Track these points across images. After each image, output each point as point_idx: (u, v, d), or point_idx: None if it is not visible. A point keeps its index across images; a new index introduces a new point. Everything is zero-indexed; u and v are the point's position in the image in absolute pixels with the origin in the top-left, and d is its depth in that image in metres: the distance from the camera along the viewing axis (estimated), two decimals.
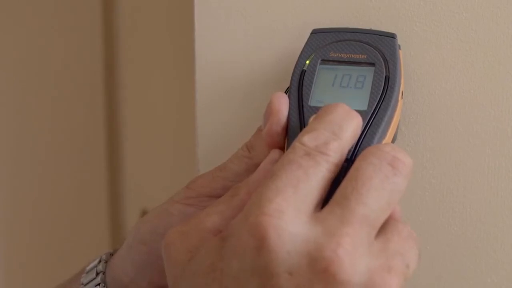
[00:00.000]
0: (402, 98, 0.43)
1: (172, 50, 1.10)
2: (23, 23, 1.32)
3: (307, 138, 0.36)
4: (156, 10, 1.34)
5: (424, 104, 0.47)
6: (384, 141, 0.41)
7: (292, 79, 0.43)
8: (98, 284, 0.48)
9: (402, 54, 0.44)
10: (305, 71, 0.43)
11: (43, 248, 1.15)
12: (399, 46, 0.44)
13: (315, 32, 0.45)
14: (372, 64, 0.43)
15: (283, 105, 0.41)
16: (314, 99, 0.42)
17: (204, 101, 0.52)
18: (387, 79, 0.42)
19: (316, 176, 0.35)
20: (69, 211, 1.16)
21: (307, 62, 0.44)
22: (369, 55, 0.43)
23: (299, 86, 0.43)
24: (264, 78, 0.50)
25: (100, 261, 0.50)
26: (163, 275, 0.41)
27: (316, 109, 0.41)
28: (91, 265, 0.50)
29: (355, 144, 0.39)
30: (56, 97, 1.14)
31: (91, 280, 0.49)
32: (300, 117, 0.42)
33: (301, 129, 0.41)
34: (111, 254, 0.50)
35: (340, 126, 0.37)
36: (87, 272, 0.50)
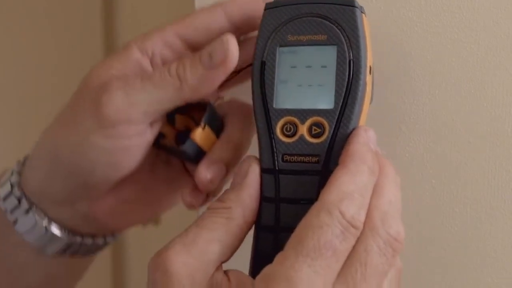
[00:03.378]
0: (371, 73, 0.41)
1: None
2: (23, 23, 1.31)
3: (345, 206, 0.36)
4: (156, 10, 1.34)
5: (425, 104, 0.47)
6: None
7: (253, 74, 0.42)
8: (21, 198, 0.47)
9: (366, 20, 0.41)
10: (265, 62, 0.41)
11: None
12: (362, 9, 0.41)
13: (268, 7, 0.42)
14: (334, 45, 0.41)
15: (256, 178, 0.41)
16: (279, 100, 0.41)
17: None
18: (350, 63, 0.40)
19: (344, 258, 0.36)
20: None
21: (266, 50, 0.41)
22: (329, 34, 0.41)
23: (261, 83, 0.41)
24: None
25: (12, 173, 0.48)
26: (96, 187, 0.44)
27: (281, 112, 0.41)
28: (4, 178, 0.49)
29: (325, 151, 0.39)
30: (56, 97, 1.14)
31: (9, 194, 0.47)
32: (268, 123, 0.41)
33: (270, 137, 0.41)
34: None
35: (366, 188, 0.38)
36: (2, 184, 0.48)
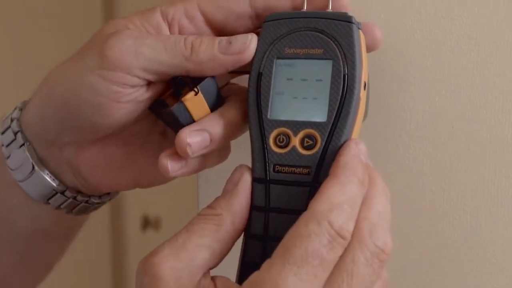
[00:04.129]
0: (365, 89, 0.42)
1: None
2: (24, 23, 1.32)
3: (334, 217, 0.36)
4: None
5: (425, 111, 0.47)
6: None
7: (249, 84, 0.42)
8: (17, 132, 0.48)
9: (362, 36, 0.42)
10: (262, 73, 0.42)
11: None
12: (359, 24, 0.42)
13: (268, 20, 0.43)
14: (329, 59, 0.41)
15: (247, 186, 0.41)
16: (273, 111, 0.42)
17: None
18: (345, 78, 0.41)
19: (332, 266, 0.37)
20: None
21: (263, 61, 0.42)
22: (326, 48, 0.41)
23: (257, 94, 0.42)
24: None
25: (15, 109, 0.49)
26: (82, 131, 0.45)
27: (275, 123, 0.41)
28: (6, 115, 0.50)
29: (316, 163, 0.40)
30: None
31: (7, 128, 0.49)
32: (261, 133, 0.41)
33: (263, 146, 0.41)
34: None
35: (356, 199, 0.38)
36: (3, 120, 0.49)
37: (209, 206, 0.41)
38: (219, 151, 0.46)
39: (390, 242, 0.38)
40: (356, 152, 0.39)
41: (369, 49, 0.43)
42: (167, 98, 0.45)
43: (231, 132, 0.44)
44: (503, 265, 0.48)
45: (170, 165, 0.43)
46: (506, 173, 0.46)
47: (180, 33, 0.45)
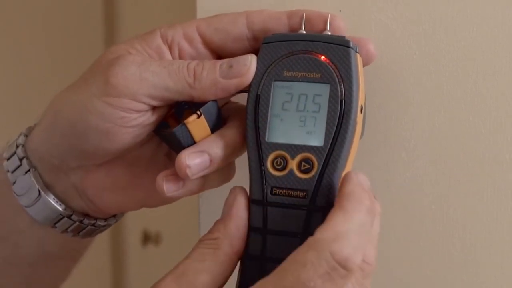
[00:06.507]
0: (362, 112, 0.42)
1: None
2: (26, 23, 1.31)
3: (339, 247, 0.36)
4: (158, 9, 1.35)
5: (424, 131, 0.47)
6: (344, 172, 0.41)
7: (247, 106, 0.43)
8: (22, 158, 0.48)
9: (360, 60, 0.43)
10: (260, 95, 0.43)
11: None
12: (356, 48, 0.42)
13: (266, 42, 0.44)
14: (327, 83, 0.42)
15: (242, 208, 0.42)
16: (271, 134, 0.42)
17: None
18: (342, 103, 0.41)
19: None
20: None
21: (261, 83, 0.43)
22: (324, 73, 0.42)
23: (255, 116, 0.42)
24: None
25: (20, 135, 0.49)
26: (89, 156, 0.45)
27: (272, 146, 0.42)
28: (11, 141, 0.50)
29: (313, 187, 0.40)
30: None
31: (13, 154, 0.49)
32: (259, 156, 0.42)
33: (260, 169, 0.42)
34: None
35: (363, 229, 0.37)
36: (9, 146, 0.49)
37: (209, 231, 0.41)
38: (221, 173, 0.46)
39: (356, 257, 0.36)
40: (358, 181, 0.39)
41: (363, 64, 0.44)
42: (168, 119, 0.46)
43: (231, 153, 0.44)
44: (502, 283, 0.48)
45: (166, 186, 0.44)
46: (506, 191, 0.47)
47: (180, 55, 0.46)
